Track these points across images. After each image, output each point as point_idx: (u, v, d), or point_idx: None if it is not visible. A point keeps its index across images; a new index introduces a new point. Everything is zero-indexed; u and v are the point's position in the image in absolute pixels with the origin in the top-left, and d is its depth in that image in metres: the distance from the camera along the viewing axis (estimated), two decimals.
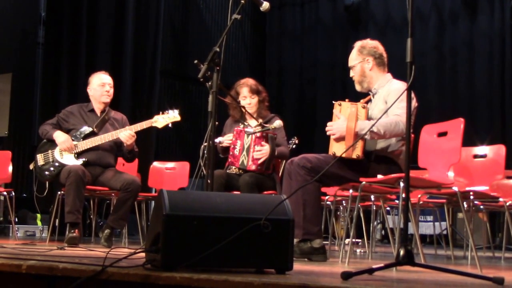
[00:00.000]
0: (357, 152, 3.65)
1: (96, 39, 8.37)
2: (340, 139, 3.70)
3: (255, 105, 5.06)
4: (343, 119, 3.69)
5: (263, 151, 4.72)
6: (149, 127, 5.11)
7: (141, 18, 8.90)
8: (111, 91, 5.28)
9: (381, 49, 4.01)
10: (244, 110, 4.96)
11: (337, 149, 3.72)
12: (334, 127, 3.73)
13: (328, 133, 3.75)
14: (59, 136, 5.06)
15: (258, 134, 4.72)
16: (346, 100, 3.80)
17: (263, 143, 4.73)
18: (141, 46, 8.90)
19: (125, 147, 5.12)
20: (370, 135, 3.61)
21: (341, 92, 9.61)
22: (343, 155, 3.54)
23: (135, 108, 8.57)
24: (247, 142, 4.77)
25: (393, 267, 2.51)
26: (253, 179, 4.65)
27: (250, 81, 5.13)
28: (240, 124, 5.02)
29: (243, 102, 5.03)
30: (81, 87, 7.66)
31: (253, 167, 4.72)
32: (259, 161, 4.72)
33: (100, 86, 5.25)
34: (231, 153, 4.84)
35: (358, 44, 4.04)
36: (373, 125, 3.48)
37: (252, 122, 5.02)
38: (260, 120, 4.96)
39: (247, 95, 5.06)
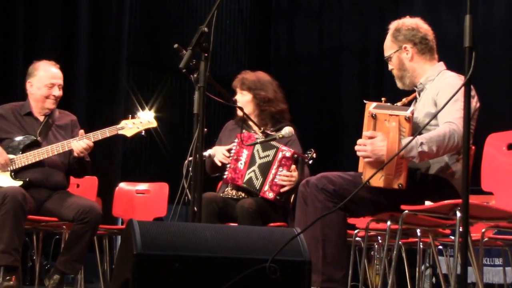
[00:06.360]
0: (399, 181, 3.57)
1: (39, 13, 8.27)
2: (376, 163, 3.58)
3: (247, 104, 5.06)
4: (382, 138, 3.58)
5: (291, 178, 4.71)
6: (114, 136, 5.09)
7: None
8: (61, 93, 5.23)
9: (424, 29, 4.01)
10: (242, 113, 4.91)
11: (371, 175, 3.60)
12: (368, 148, 3.60)
13: (359, 154, 3.65)
14: None
15: (287, 154, 4.72)
16: (383, 99, 3.78)
17: (292, 168, 4.73)
18: (101, 24, 8.82)
19: (73, 156, 5.05)
20: (420, 157, 3.57)
21: (375, 87, 9.62)
22: (381, 185, 3.54)
23: (93, 107, 8.50)
24: (265, 157, 4.77)
25: None
26: (254, 207, 4.63)
27: (247, 73, 5.19)
28: (244, 131, 5.02)
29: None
30: (17, 80, 7.65)
31: (271, 195, 4.73)
32: (282, 190, 4.72)
33: (47, 87, 5.15)
34: (231, 166, 4.82)
35: (392, 27, 4.06)
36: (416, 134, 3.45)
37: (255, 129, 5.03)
38: (262, 128, 4.95)
39: (236, 89, 5.14)
